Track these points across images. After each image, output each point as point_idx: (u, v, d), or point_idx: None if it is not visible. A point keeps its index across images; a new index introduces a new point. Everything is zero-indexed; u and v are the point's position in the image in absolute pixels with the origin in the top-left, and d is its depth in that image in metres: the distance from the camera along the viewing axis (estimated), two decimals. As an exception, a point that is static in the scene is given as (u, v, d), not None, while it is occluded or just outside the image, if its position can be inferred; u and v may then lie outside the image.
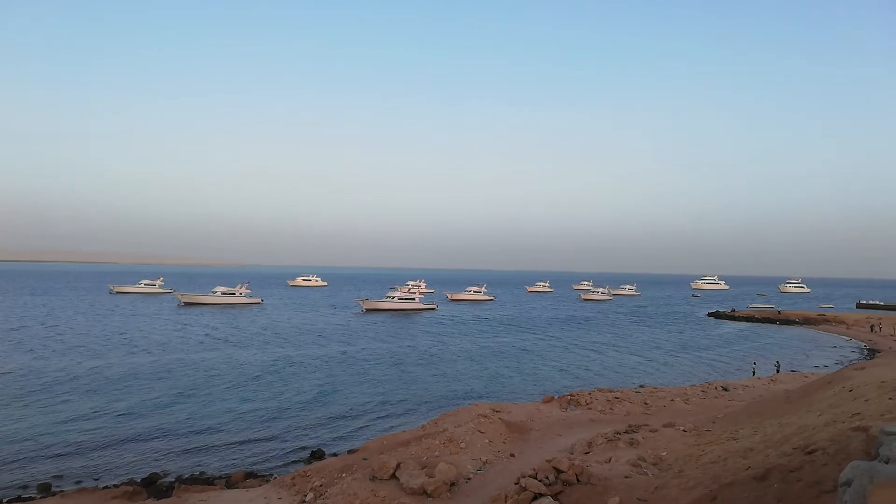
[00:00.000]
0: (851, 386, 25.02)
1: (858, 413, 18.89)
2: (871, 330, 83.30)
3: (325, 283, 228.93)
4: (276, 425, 31.56)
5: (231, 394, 38.29)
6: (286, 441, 28.91)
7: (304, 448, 27.73)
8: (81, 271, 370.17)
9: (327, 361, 51.85)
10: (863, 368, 32.61)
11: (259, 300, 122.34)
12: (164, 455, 26.30)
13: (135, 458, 25.71)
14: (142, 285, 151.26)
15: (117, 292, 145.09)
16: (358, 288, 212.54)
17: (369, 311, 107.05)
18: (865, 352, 64.32)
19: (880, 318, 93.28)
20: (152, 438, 28.54)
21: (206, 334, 68.36)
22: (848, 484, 3.90)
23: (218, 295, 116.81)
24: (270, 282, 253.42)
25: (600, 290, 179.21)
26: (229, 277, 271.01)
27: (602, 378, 47.28)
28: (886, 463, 3.99)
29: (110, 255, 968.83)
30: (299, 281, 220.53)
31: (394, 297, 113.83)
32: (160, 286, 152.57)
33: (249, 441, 28.58)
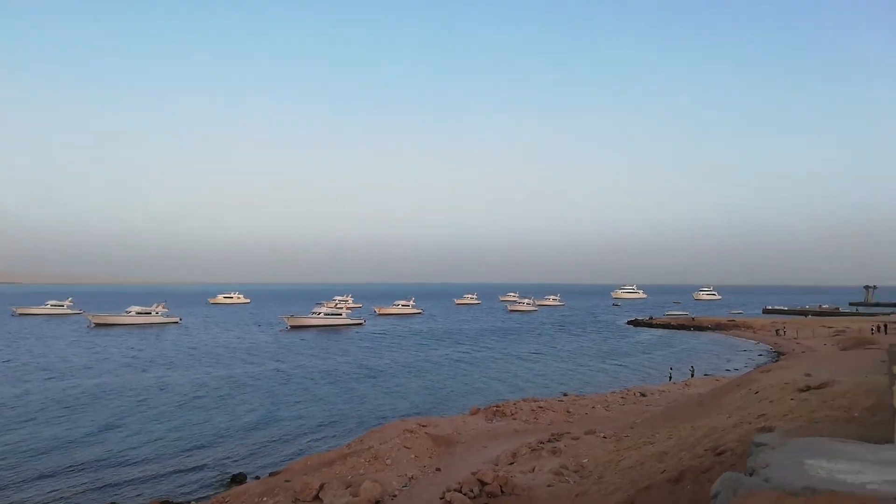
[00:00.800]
0: (758, 388, 26.55)
1: (764, 414, 20.05)
2: (777, 334, 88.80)
3: (248, 300, 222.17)
4: (198, 451, 30.16)
5: (156, 421, 36.34)
6: (206, 467, 27.66)
7: (225, 473, 26.66)
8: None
9: (253, 381, 50.24)
10: (768, 371, 34.68)
11: (177, 319, 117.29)
12: (81, 490, 24.59)
13: (39, 494, 23.94)
14: (48, 306, 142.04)
15: (21, 314, 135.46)
16: (283, 304, 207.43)
17: (295, 327, 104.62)
18: (772, 355, 68.46)
19: (784, 323, 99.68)
20: (70, 472, 26.63)
21: (128, 356, 64.79)
22: (716, 496, 4.12)
23: (132, 315, 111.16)
24: (190, 300, 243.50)
25: (526, 301, 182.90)
26: (146, 296, 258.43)
27: (528, 387, 48.06)
28: (751, 475, 4.24)
29: (12, 276, 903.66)
30: (220, 298, 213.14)
31: (320, 313, 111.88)
32: (69, 307, 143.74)
33: (171, 470, 27.10)
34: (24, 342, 79.22)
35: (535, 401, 36.00)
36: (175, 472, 26.80)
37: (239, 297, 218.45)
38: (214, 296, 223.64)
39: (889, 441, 5.46)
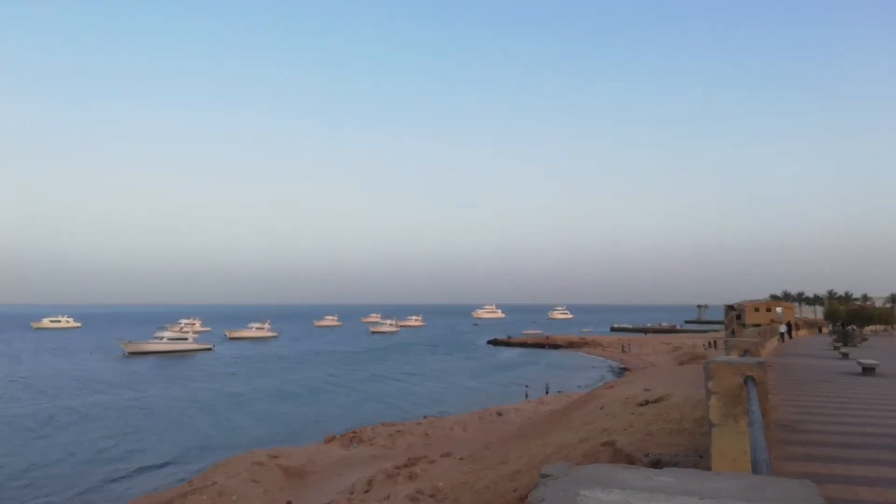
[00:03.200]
0: (602, 403, 28.35)
1: (607, 429, 21.38)
2: (623, 350, 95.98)
3: (80, 324, 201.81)
4: (15, 491, 26.60)
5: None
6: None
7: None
8: None
9: (83, 415, 45.35)
10: (612, 387, 37.24)
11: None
12: None
13: None
14: None
15: None
16: (119, 328, 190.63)
17: (133, 354, 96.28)
18: (618, 370, 73.70)
19: (629, 340, 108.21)
20: None
21: None
22: None
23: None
24: (8, 324, 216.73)
25: (388, 322, 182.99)
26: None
27: (388, 411, 47.77)
28: None
29: None
30: (46, 322, 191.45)
31: (163, 338, 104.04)
32: None
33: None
34: None
35: (392, 424, 35.82)
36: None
37: (68, 321, 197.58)
38: (39, 319, 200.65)
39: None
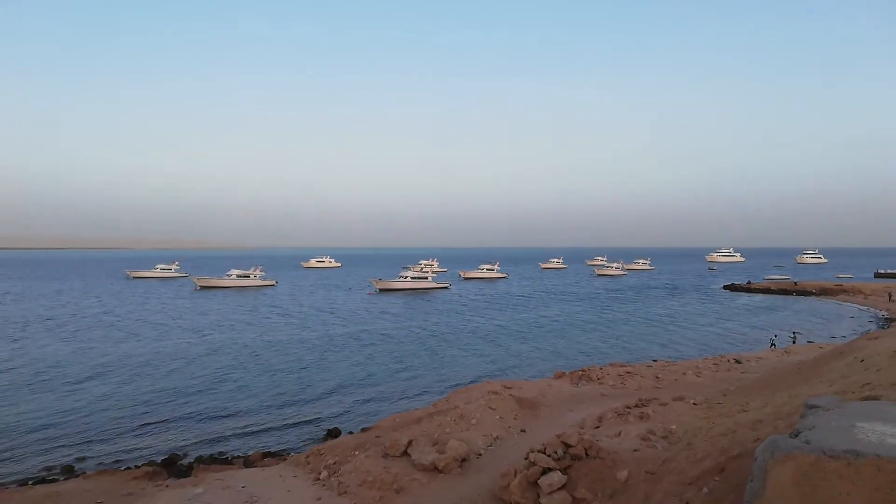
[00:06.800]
0: (864, 356, 24.90)
1: (869, 383, 18.83)
2: (889, 299, 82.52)
3: (339, 265, 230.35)
4: (296, 407, 32.05)
5: (259, 377, 38.83)
6: (305, 422, 29.39)
7: (320, 427, 28.26)
8: (99, 257, 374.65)
9: (347, 342, 52.38)
10: (877, 338, 32.43)
11: (273, 282, 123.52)
12: (187, 438, 26.88)
13: (157, 442, 26.30)
14: (158, 270, 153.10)
15: (134, 277, 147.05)
16: (371, 268, 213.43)
17: (382, 291, 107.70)
18: (882, 321, 63.83)
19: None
20: (181, 423, 29.09)
21: (232, 317, 69.28)
22: (755, 459, 3.96)
23: (233, 278, 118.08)
24: (284, 264, 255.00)
25: (614, 265, 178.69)
26: (243, 260, 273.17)
27: (616, 353, 47.45)
28: (796, 437, 4.02)
29: (125, 241, 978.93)
30: (313, 263, 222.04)
31: (406, 277, 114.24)
32: (176, 270, 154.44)
33: (272, 425, 28.92)
34: (142, 301, 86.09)
35: (622, 366, 35.48)
36: (275, 426, 28.66)
37: (330, 262, 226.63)
38: (307, 260, 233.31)
39: None
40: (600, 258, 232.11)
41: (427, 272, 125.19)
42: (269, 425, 28.72)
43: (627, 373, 32.92)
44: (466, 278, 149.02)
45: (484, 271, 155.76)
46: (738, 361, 36.95)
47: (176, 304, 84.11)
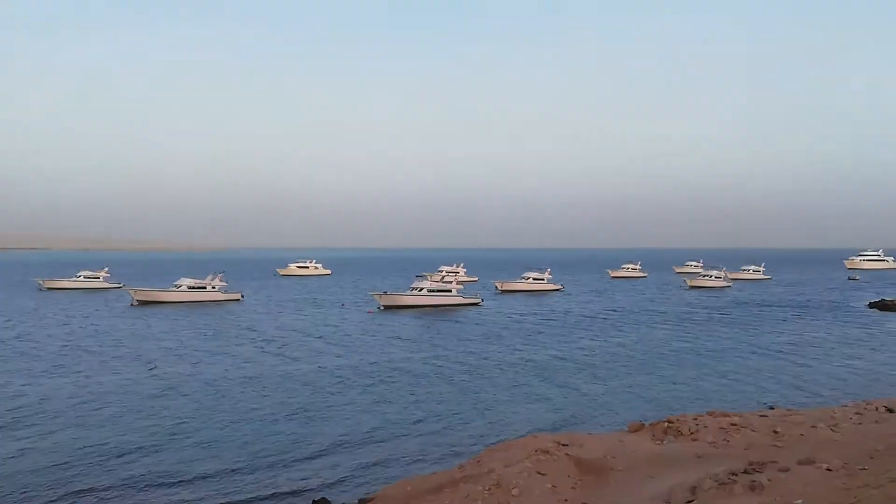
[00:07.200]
0: None
1: None
2: None
3: (329, 271, 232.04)
4: (273, 471, 32.08)
5: (227, 429, 39.03)
6: (287, 493, 29.14)
7: (304, 499, 28.31)
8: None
9: (345, 380, 52.54)
10: None
11: (238, 296, 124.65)
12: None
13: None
14: (81, 278, 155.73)
15: (49, 288, 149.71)
16: (370, 276, 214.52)
17: (388, 307, 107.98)
18: None
19: None
20: (113, 490, 29.26)
21: (186, 344, 70.17)
22: None
23: (183, 290, 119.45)
24: (253, 270, 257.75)
25: (714, 272, 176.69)
26: (198, 265, 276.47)
27: (717, 396, 47.06)
28: None
29: (36, 240, 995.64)
30: (293, 269, 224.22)
31: (422, 289, 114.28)
32: (105, 279, 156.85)
33: (239, 495, 28.80)
34: (63, 322, 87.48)
35: (725, 415, 35.15)
36: (245, 498, 28.71)
37: (316, 267, 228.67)
38: (285, 265, 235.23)
39: None
40: (694, 263, 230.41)
41: (450, 282, 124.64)
42: (237, 497, 28.83)
43: (732, 425, 32.62)
44: (505, 291, 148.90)
45: (530, 281, 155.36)
46: (890, 410, 36.40)
47: (110, 326, 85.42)
